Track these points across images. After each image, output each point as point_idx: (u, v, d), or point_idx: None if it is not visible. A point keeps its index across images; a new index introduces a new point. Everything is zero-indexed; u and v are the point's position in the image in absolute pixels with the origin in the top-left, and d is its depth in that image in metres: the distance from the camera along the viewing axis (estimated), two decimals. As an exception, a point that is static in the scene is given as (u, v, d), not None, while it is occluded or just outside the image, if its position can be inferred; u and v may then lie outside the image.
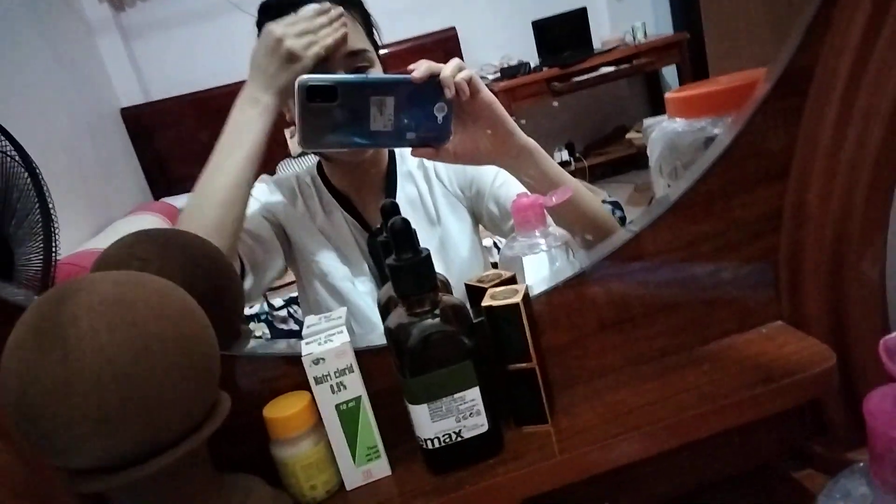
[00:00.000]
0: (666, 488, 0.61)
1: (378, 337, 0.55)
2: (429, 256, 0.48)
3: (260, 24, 0.86)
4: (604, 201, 2.26)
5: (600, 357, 0.59)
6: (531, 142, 0.75)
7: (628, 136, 3.72)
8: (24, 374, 0.38)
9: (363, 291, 0.96)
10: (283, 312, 1.94)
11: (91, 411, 0.38)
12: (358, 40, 0.85)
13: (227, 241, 0.75)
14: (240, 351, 0.56)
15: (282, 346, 0.61)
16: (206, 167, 0.78)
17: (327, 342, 0.50)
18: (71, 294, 0.40)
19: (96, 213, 3.03)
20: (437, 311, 0.49)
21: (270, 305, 1.97)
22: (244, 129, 0.78)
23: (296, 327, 1.91)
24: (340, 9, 0.81)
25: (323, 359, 0.49)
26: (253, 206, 0.93)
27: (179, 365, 0.40)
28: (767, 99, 0.55)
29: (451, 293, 0.63)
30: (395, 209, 0.55)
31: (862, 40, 0.52)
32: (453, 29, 3.85)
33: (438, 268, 0.99)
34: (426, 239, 0.98)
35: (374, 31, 0.91)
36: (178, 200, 3.47)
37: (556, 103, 3.70)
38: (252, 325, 1.99)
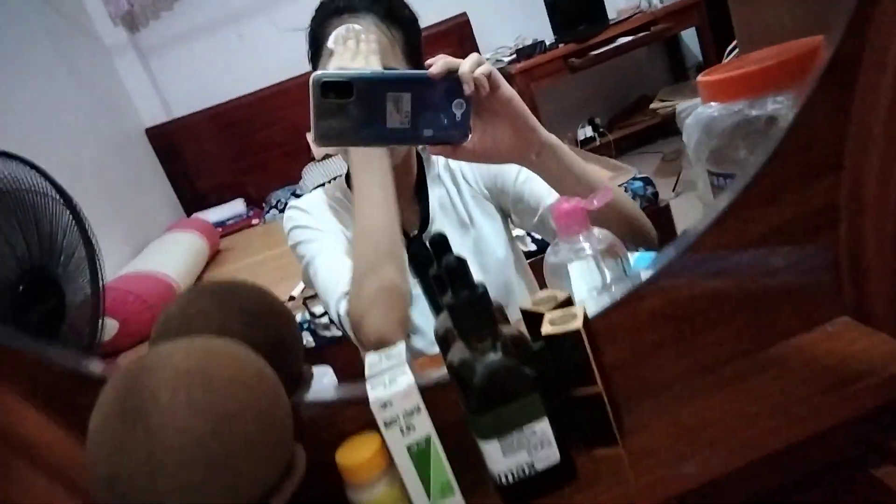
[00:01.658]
0: (740, 492, 0.61)
1: (426, 376, 0.55)
2: (485, 292, 0.48)
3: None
4: (634, 178, 2.24)
5: (663, 370, 0.58)
6: (553, 138, 0.73)
7: (651, 105, 3.64)
8: (112, 453, 0.40)
9: (415, 304, 0.96)
10: (325, 319, 1.96)
11: (177, 485, 0.39)
12: (388, 58, 0.85)
13: (407, 285, 0.82)
14: (304, 396, 0.57)
15: (343, 387, 0.62)
16: (359, 228, 0.82)
17: (392, 384, 0.50)
18: (147, 369, 0.41)
19: (132, 234, 3.09)
20: (498, 345, 0.49)
21: (312, 314, 2.00)
22: (371, 174, 0.82)
23: (338, 333, 1.93)
24: (357, 27, 0.82)
25: (391, 402, 0.49)
26: (321, 237, 0.94)
27: (257, 429, 0.41)
28: (816, 90, 0.54)
29: (506, 317, 0.63)
30: (444, 242, 0.55)
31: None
32: (465, 14, 3.80)
33: (474, 269, 1.00)
34: (460, 242, 0.98)
35: (417, 50, 0.91)
36: (210, 215, 3.53)
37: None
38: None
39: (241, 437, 0.40)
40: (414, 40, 0.89)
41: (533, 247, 1.96)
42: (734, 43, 1.26)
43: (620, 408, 0.56)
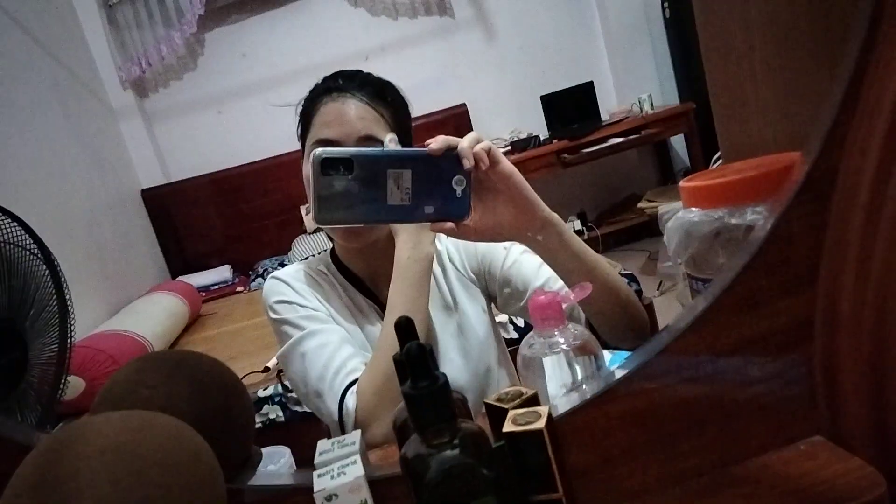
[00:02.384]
0: None
1: (378, 468, 0.52)
2: (446, 384, 0.46)
3: None
4: (619, 274, 2.24)
5: (630, 479, 0.55)
6: (554, 215, 0.73)
7: (640, 204, 3.73)
8: (20, 533, 0.36)
9: None
10: (298, 394, 1.90)
11: (88, 575, 0.35)
12: (374, 130, 0.86)
13: None
14: (248, 480, 0.54)
15: (292, 474, 0.58)
16: (386, 327, 0.85)
17: (340, 475, 0.47)
18: (71, 443, 0.38)
19: (114, 292, 3.06)
20: (456, 441, 0.46)
21: (285, 387, 1.95)
22: (420, 279, 0.85)
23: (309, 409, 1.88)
24: None
25: (336, 495, 0.46)
26: (311, 316, 0.92)
27: (183, 518, 0.38)
28: (791, 206, 0.54)
29: (469, 410, 0.61)
30: (409, 327, 0.53)
31: (884, 145, 0.51)
32: (464, 105, 3.95)
33: (455, 356, 0.98)
34: (444, 325, 0.97)
35: (406, 129, 0.93)
36: (195, 279, 3.50)
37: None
38: (266, 408, 1.96)
39: (164, 524, 0.37)
40: (402, 119, 0.92)
41: (515, 334, 1.94)
42: (718, 155, 1.29)
43: (583, 517, 0.53)
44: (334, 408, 0.81)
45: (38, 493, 0.37)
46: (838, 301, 0.54)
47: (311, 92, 0.93)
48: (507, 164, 0.68)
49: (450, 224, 0.65)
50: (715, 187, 0.91)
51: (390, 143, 0.84)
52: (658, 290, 2.90)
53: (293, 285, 0.96)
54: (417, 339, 0.47)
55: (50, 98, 3.03)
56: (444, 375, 0.47)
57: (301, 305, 0.93)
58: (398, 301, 0.83)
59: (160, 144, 3.96)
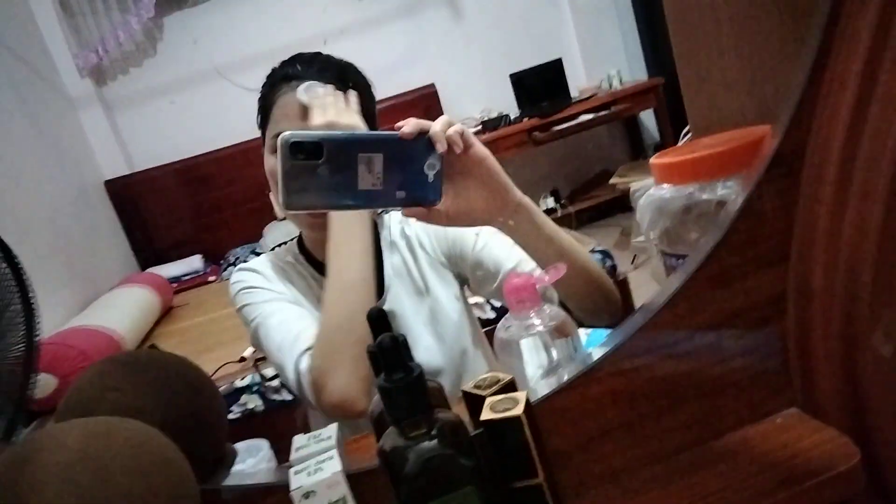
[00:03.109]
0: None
1: (357, 461, 0.51)
2: (421, 375, 0.45)
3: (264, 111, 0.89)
4: (592, 250, 2.26)
5: (609, 460, 0.55)
6: (527, 199, 0.72)
7: (612, 180, 3.74)
8: (-19, 551, 0.35)
9: None
10: (276, 382, 1.89)
11: (56, 592, 0.34)
12: (346, 116, 0.84)
13: None
14: (222, 480, 0.52)
15: (268, 471, 0.57)
16: (333, 282, 0.80)
17: (317, 471, 0.46)
18: (34, 454, 0.37)
19: (82, 287, 2.99)
20: (434, 432, 0.46)
21: (262, 376, 1.92)
22: (351, 231, 0.81)
23: (289, 397, 1.86)
24: (330, 87, 0.82)
25: (314, 491, 0.45)
26: (273, 297, 0.91)
27: (154, 526, 0.37)
28: (761, 182, 0.54)
29: (446, 399, 0.60)
30: (381, 318, 0.52)
31: (851, 119, 0.51)
32: (432, 85, 3.90)
33: (430, 341, 0.97)
34: (416, 311, 0.96)
35: (370, 112, 0.91)
36: (165, 270, 3.44)
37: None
38: (245, 398, 1.93)
39: (133, 533, 0.36)
40: (367, 104, 0.89)
41: (492, 314, 1.94)
42: (687, 129, 1.29)
43: (565, 498, 0.53)
44: (292, 375, 0.80)
45: (-1, 508, 0.35)
46: (810, 275, 0.54)
47: (268, 79, 0.90)
48: (480, 148, 0.66)
49: (421, 209, 0.64)
50: (685, 163, 0.91)
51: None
52: (632, 263, 2.93)
53: (260, 271, 0.95)
54: (390, 331, 0.46)
55: (2, 88, 2.92)
56: (419, 366, 0.46)
57: (265, 289, 0.91)
58: (342, 244, 0.82)
59: (122, 133, 3.85)
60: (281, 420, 1.86)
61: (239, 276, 0.95)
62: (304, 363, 0.80)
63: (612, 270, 2.27)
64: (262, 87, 0.90)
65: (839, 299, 0.53)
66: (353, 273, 0.79)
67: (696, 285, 0.55)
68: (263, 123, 0.90)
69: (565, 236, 0.77)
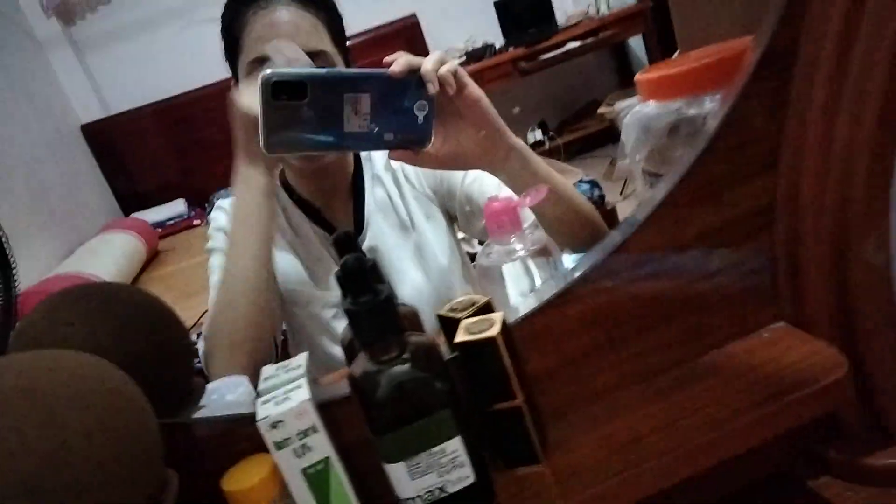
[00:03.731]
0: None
1: (327, 390, 0.50)
2: (390, 297, 0.43)
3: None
4: (581, 180, 2.23)
5: (592, 380, 0.54)
6: (519, 142, 0.69)
7: (600, 110, 3.67)
8: (-79, 491, 0.33)
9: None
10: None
11: (3, 531, 0.32)
12: (316, 41, 0.79)
13: (268, 321, 0.75)
14: (191, 414, 0.51)
15: (236, 402, 0.56)
16: (226, 259, 0.75)
17: (285, 401, 0.44)
18: (-30, 390, 0.34)
19: (65, 234, 2.94)
20: (406, 356, 0.43)
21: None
22: (251, 213, 0.74)
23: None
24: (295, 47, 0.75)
25: (281, 421, 0.43)
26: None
27: (105, 460, 0.35)
28: (748, 85, 0.50)
29: (420, 323, 0.58)
30: (347, 241, 0.49)
31: (845, 16, 0.47)
32: (414, 16, 3.76)
33: (416, 275, 0.94)
34: (402, 246, 0.93)
35: (342, 34, 0.85)
36: (149, 215, 3.38)
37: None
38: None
39: (86, 470, 0.34)
40: (338, 24, 0.84)
41: (479, 248, 1.91)
42: (675, 54, 1.24)
43: (545, 422, 0.52)
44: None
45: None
46: (800, 183, 0.51)
47: (231, 3, 0.82)
48: (474, 89, 0.62)
49: (410, 152, 0.61)
50: (672, 77, 0.87)
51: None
52: (621, 194, 2.90)
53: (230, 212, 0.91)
54: (357, 252, 0.44)
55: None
56: (389, 287, 0.43)
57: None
58: (237, 223, 0.76)
59: (95, 75, 3.71)
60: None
61: (215, 215, 0.91)
62: (200, 343, 0.77)
63: (601, 200, 2.25)
64: (225, 12, 0.83)
65: (830, 208, 0.51)
66: (243, 264, 0.73)
67: (681, 196, 0.52)
68: (232, 54, 0.83)
69: (560, 179, 0.73)
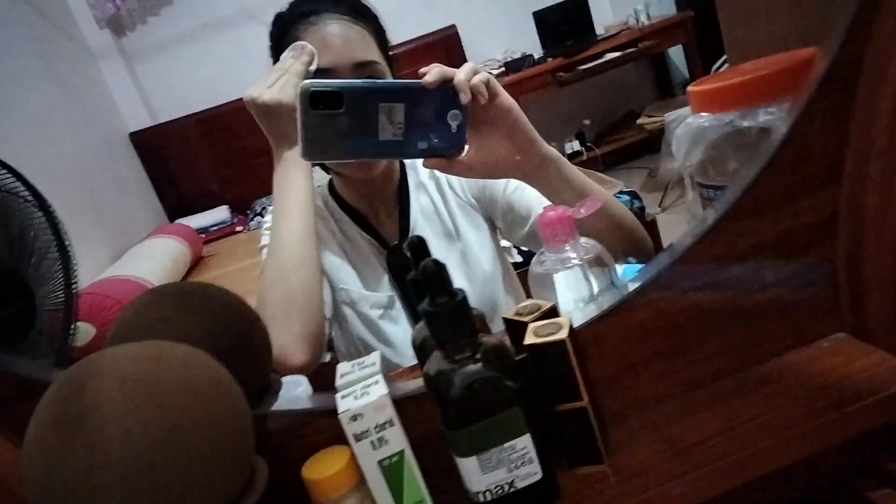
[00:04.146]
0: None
1: (402, 386, 0.52)
2: (465, 300, 0.45)
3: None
4: (621, 191, 2.23)
5: (652, 385, 0.55)
6: (553, 150, 0.70)
7: (639, 120, 3.65)
8: (47, 465, 0.36)
9: (392, 315, 0.93)
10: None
11: (118, 502, 0.35)
12: (366, 52, 0.82)
13: (318, 289, 0.78)
14: (269, 406, 0.53)
15: (313, 397, 0.59)
16: (273, 232, 0.80)
17: (364, 395, 0.47)
18: (91, 376, 0.37)
19: (113, 239, 3.04)
20: (478, 356, 0.46)
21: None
22: (290, 188, 0.80)
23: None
24: (305, 44, 0.79)
25: (361, 414, 0.46)
26: None
27: (212, 442, 0.38)
28: (815, 96, 0.51)
29: (487, 326, 0.60)
30: (422, 245, 0.52)
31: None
32: (454, 27, 3.80)
33: (461, 283, 0.96)
34: (446, 253, 0.95)
35: (387, 45, 0.88)
36: (193, 221, 3.48)
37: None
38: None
39: (191, 451, 0.37)
40: (383, 35, 0.87)
41: (519, 258, 1.93)
42: (723, 58, 1.24)
43: (606, 424, 0.53)
44: None
45: (60, 429, 0.36)
46: (864, 194, 0.52)
47: (278, 19, 0.86)
48: (506, 98, 0.64)
49: (443, 160, 0.63)
50: (725, 89, 0.88)
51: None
52: (660, 206, 2.88)
53: None
54: (431, 257, 0.46)
55: (24, 42, 2.91)
56: (463, 291, 0.46)
57: None
58: (280, 205, 0.81)
59: (144, 85, 3.84)
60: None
61: (268, 217, 0.95)
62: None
63: (641, 212, 2.24)
64: (274, 29, 0.87)
65: (894, 220, 0.52)
66: (287, 232, 0.78)
67: (744, 207, 0.53)
68: None
69: (596, 188, 0.74)
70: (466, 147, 0.63)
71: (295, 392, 0.71)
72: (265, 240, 0.92)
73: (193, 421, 0.37)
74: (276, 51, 0.86)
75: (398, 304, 0.93)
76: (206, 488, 0.37)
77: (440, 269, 0.45)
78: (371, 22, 0.85)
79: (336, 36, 0.81)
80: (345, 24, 0.82)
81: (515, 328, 0.53)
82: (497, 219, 0.96)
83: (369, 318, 0.93)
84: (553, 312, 0.53)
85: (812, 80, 0.52)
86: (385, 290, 0.93)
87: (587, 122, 4.00)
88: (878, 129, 0.50)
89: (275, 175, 0.81)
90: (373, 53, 0.83)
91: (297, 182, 0.80)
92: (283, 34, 0.85)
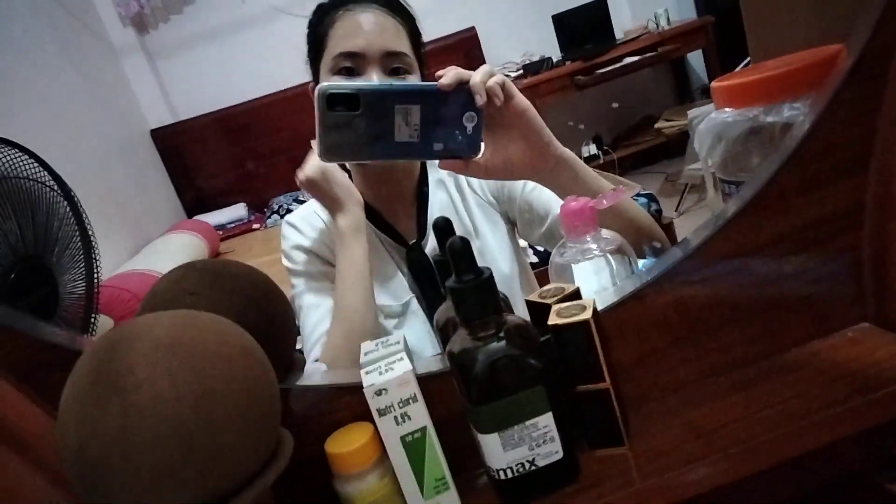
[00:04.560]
0: (748, 502, 0.58)
1: (425, 365, 0.52)
2: (491, 276, 0.46)
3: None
4: (639, 194, 2.22)
5: (674, 371, 0.55)
6: (568, 152, 0.70)
7: (657, 125, 3.64)
8: (83, 426, 0.37)
9: (405, 321, 0.92)
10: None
11: (152, 464, 0.36)
12: (397, 43, 0.83)
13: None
14: (294, 382, 0.54)
15: (337, 373, 0.60)
16: (338, 306, 0.84)
17: (388, 371, 0.47)
18: (125, 341, 0.38)
19: (133, 234, 3.08)
20: (502, 334, 0.46)
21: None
22: (349, 255, 0.83)
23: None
24: None
25: (385, 389, 0.46)
26: (308, 270, 0.92)
27: (242, 408, 0.38)
28: (842, 87, 0.51)
29: (511, 309, 0.60)
30: (448, 226, 0.52)
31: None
32: (473, 29, 3.82)
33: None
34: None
35: (419, 42, 0.89)
36: (211, 217, 3.51)
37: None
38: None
39: (223, 416, 0.37)
40: (416, 32, 0.88)
41: (535, 259, 1.93)
42: (747, 59, 1.24)
43: (627, 407, 0.53)
44: (309, 359, 0.84)
45: (95, 391, 0.37)
46: (890, 185, 0.52)
47: (318, 9, 0.87)
48: (521, 100, 0.64)
49: (458, 161, 0.63)
50: (749, 84, 0.88)
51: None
52: (677, 210, 2.87)
53: (301, 229, 0.95)
54: (456, 235, 0.47)
55: (48, 39, 2.95)
56: (489, 269, 0.46)
57: (306, 252, 0.93)
58: (343, 271, 0.84)
59: (165, 82, 3.88)
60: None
61: (284, 231, 0.96)
62: (314, 354, 0.84)
63: (658, 215, 2.24)
64: (312, 19, 0.89)
65: (920, 210, 0.51)
66: (352, 298, 0.82)
67: (768, 196, 0.53)
68: (316, 56, 0.88)
69: (624, 198, 0.74)
70: (482, 148, 0.63)
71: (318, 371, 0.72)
72: (294, 264, 0.93)
73: (225, 385, 0.38)
74: (313, 35, 0.87)
75: (412, 308, 0.93)
76: (236, 453, 0.38)
77: (466, 246, 0.45)
78: (407, 19, 0.87)
79: (370, 22, 0.82)
80: (381, 14, 0.83)
81: (538, 311, 0.53)
82: (515, 217, 0.96)
83: (384, 328, 0.93)
84: (576, 296, 0.54)
85: (839, 71, 0.52)
86: (399, 297, 0.93)
87: (615, 105, 3.96)
88: (906, 119, 0.50)
89: (336, 240, 0.85)
90: (403, 46, 0.84)
91: (356, 251, 0.83)
92: (320, 20, 0.86)
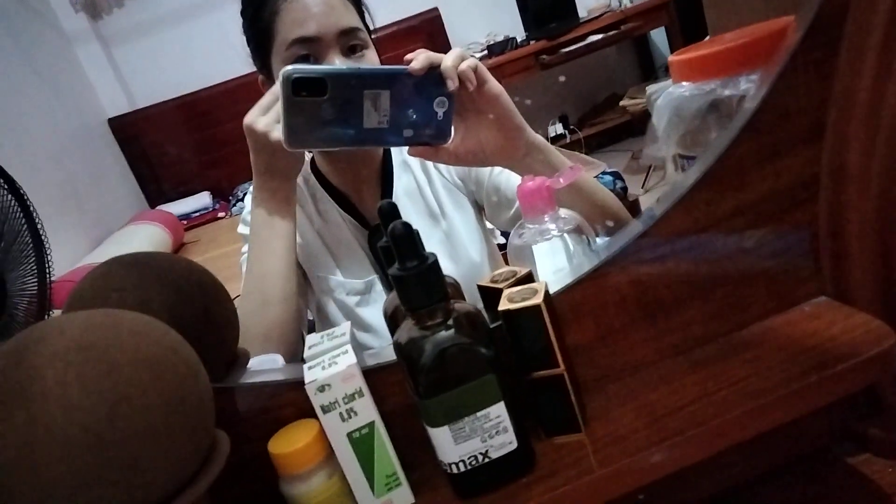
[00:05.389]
0: (709, 484, 0.57)
1: (373, 356, 0.50)
2: (436, 263, 0.43)
3: None
4: (604, 172, 2.21)
5: (631, 352, 0.54)
6: (539, 138, 0.69)
7: (622, 103, 3.64)
8: (-12, 439, 0.34)
9: (369, 299, 0.91)
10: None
11: (64, 480, 0.33)
12: (349, 18, 0.79)
13: (295, 332, 0.78)
14: (237, 380, 0.51)
15: (282, 369, 0.57)
16: (248, 270, 0.78)
17: (332, 365, 0.45)
18: (33, 344, 0.35)
19: (93, 226, 2.99)
20: (451, 322, 0.44)
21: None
22: (275, 223, 0.76)
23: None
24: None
25: (329, 385, 0.44)
26: None
27: (163, 415, 0.36)
28: (795, 54, 0.50)
29: (462, 295, 0.58)
30: (393, 211, 0.49)
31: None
32: (436, 9, 3.76)
33: (445, 264, 0.94)
34: (429, 234, 0.93)
35: (367, 15, 0.86)
36: (175, 207, 3.42)
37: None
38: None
39: (142, 424, 0.34)
40: (360, 3, 0.85)
41: (502, 240, 1.91)
42: (707, 37, 1.23)
43: (584, 392, 0.52)
44: None
45: (0, 399, 0.34)
46: (846, 155, 0.51)
47: None
48: (494, 85, 0.62)
49: (428, 148, 0.61)
50: (706, 57, 0.86)
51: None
52: (643, 187, 2.88)
53: None
54: (401, 219, 0.44)
55: (-2, 27, 2.84)
56: (434, 255, 0.44)
57: None
58: (259, 234, 0.78)
59: (121, 69, 3.75)
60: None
61: (246, 200, 0.93)
62: None
63: (623, 192, 2.24)
64: (248, 7, 0.83)
65: (876, 180, 0.50)
66: (272, 271, 0.76)
67: (723, 168, 0.51)
68: (263, 46, 0.82)
69: (583, 176, 0.73)
70: (453, 134, 0.61)
71: (271, 366, 0.69)
72: (243, 229, 0.89)
73: (144, 393, 0.35)
74: (255, 25, 0.82)
75: (377, 288, 0.91)
76: (158, 463, 0.35)
77: (409, 232, 0.43)
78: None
79: (318, 3, 0.78)
80: None
81: (490, 295, 0.51)
82: (482, 201, 0.94)
83: (346, 304, 0.91)
84: (529, 279, 0.52)
85: (793, 36, 0.51)
86: (362, 276, 0.91)
87: (562, 78, 3.95)
88: (861, 85, 0.49)
89: (257, 204, 0.77)
90: (355, 20, 0.80)
91: (284, 216, 0.77)
92: (260, 7, 0.80)
